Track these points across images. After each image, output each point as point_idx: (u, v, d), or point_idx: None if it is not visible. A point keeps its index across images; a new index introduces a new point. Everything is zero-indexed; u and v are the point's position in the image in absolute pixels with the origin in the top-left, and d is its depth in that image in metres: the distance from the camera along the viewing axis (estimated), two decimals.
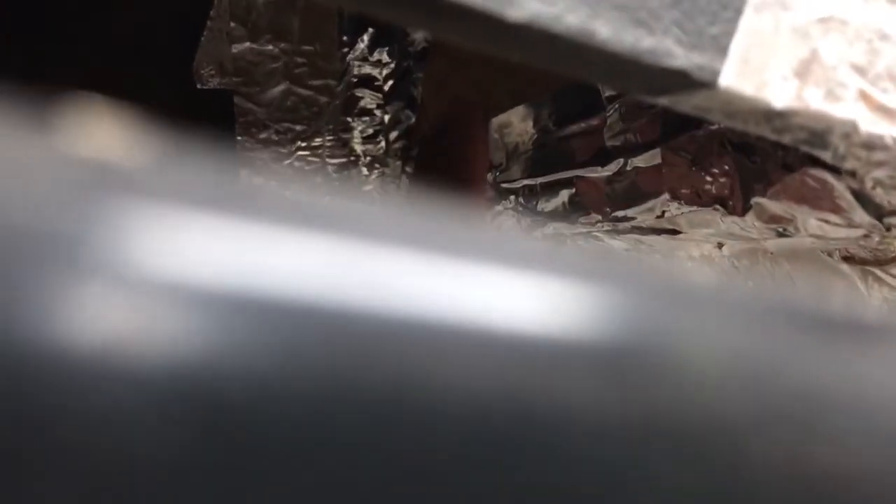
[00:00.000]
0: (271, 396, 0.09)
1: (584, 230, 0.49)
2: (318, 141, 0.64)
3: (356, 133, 0.64)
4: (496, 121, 0.54)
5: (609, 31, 0.23)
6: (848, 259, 0.42)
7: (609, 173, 0.46)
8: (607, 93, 0.47)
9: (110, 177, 0.08)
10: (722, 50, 0.24)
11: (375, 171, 0.65)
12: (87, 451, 0.08)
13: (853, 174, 0.33)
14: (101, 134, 0.09)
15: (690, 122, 0.41)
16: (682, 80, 0.24)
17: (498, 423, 0.10)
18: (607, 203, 0.47)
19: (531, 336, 0.10)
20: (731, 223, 0.41)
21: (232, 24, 0.60)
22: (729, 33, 0.24)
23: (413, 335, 0.09)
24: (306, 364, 0.09)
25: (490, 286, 0.10)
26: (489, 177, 0.54)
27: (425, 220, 0.10)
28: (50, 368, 0.08)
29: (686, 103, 0.25)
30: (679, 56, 0.23)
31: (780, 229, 0.39)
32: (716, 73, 0.24)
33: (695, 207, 0.42)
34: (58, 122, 0.09)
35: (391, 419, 0.09)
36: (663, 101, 0.25)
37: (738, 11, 0.24)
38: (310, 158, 0.64)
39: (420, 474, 0.09)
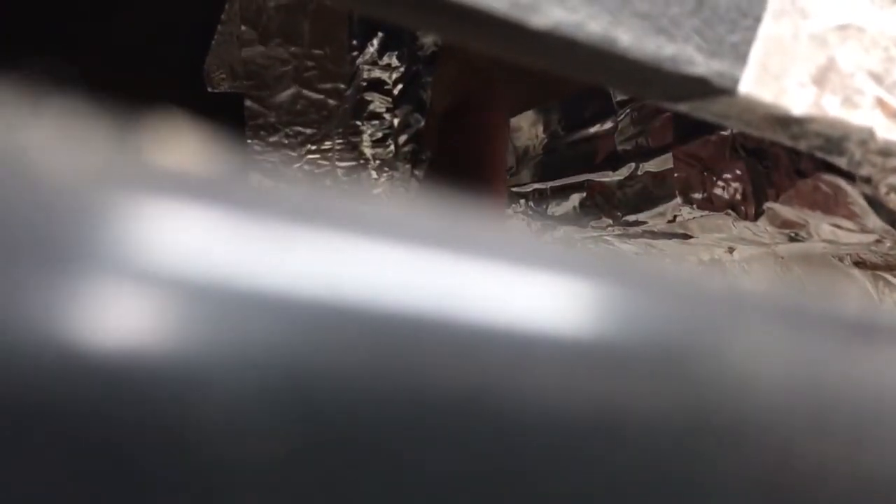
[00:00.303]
0: (360, 400, 0.09)
1: (595, 234, 0.50)
2: (327, 144, 0.64)
3: (365, 136, 0.65)
4: None
5: (631, 38, 0.23)
6: (859, 264, 0.42)
7: (620, 177, 0.46)
8: (618, 97, 0.47)
9: (182, 184, 0.09)
10: (741, 57, 0.24)
11: (385, 175, 0.65)
12: (188, 455, 0.08)
13: (868, 180, 0.34)
14: (176, 146, 0.09)
15: (703, 127, 0.41)
16: (703, 88, 0.24)
17: (560, 424, 0.10)
18: (618, 207, 0.47)
19: (592, 341, 0.10)
20: (742, 228, 0.41)
21: (243, 28, 0.60)
22: (748, 41, 0.24)
23: (484, 342, 0.10)
24: (389, 368, 0.09)
25: (546, 293, 0.10)
26: None
27: (480, 226, 0.11)
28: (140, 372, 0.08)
29: (705, 110, 0.25)
30: (699, 63, 0.24)
31: (793, 234, 0.40)
32: (735, 81, 0.24)
33: (706, 212, 0.42)
34: (137, 133, 0.09)
35: (465, 421, 0.09)
36: (683, 107, 0.26)
37: (758, 19, 0.24)
38: (319, 162, 0.64)
39: (501, 471, 0.09)
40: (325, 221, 0.09)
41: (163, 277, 0.08)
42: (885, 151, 0.27)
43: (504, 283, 0.10)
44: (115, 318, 0.08)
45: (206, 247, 0.09)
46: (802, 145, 0.27)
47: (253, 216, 0.09)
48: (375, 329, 0.09)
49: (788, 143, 0.27)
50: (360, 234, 0.10)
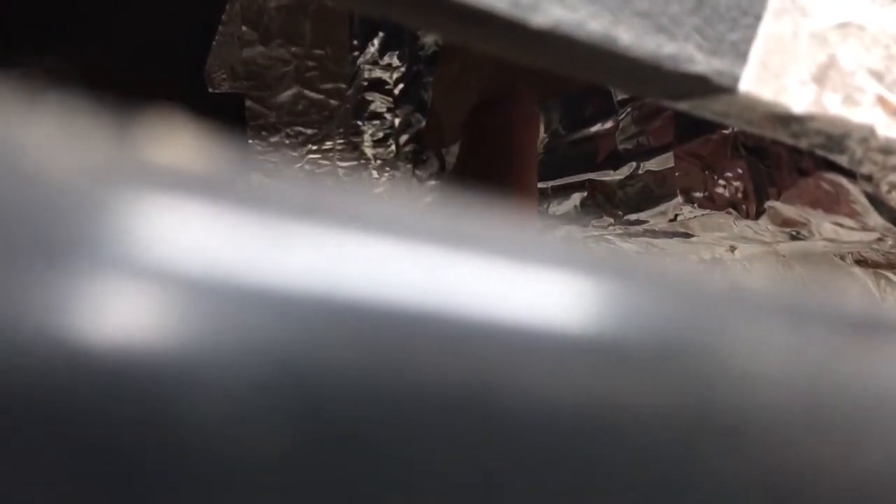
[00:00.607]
0: (361, 397, 0.09)
1: (596, 233, 0.50)
2: (328, 144, 0.64)
3: (366, 136, 0.65)
4: None
5: (631, 37, 0.23)
6: (861, 262, 0.42)
7: (621, 177, 0.46)
8: (619, 96, 0.47)
9: (180, 181, 0.09)
10: (742, 55, 0.24)
11: (386, 175, 0.65)
12: (188, 453, 0.08)
13: (869, 178, 0.34)
14: (174, 143, 0.09)
15: (703, 126, 0.41)
16: (703, 86, 0.24)
17: (559, 422, 0.10)
18: (619, 206, 0.47)
19: (588, 336, 0.10)
20: (744, 227, 0.41)
21: (244, 28, 0.61)
22: (749, 39, 0.24)
23: (483, 338, 0.10)
24: (389, 364, 0.09)
25: (545, 288, 0.10)
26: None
27: (482, 222, 0.11)
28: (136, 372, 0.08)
29: (706, 108, 0.25)
30: (700, 62, 0.24)
31: (794, 233, 0.40)
32: (736, 79, 0.24)
33: (708, 211, 0.42)
34: (135, 130, 0.09)
35: (465, 419, 0.09)
36: (683, 106, 0.26)
37: (758, 17, 0.24)
38: (321, 162, 0.64)
39: (500, 467, 0.09)
40: (325, 218, 0.09)
41: (160, 274, 0.08)
42: (886, 149, 0.27)
43: (505, 279, 0.10)
44: (114, 315, 0.08)
45: (204, 243, 0.09)
46: (803, 143, 0.27)
47: (252, 212, 0.09)
48: (375, 325, 0.09)
49: (789, 141, 0.27)
50: (360, 230, 0.10)
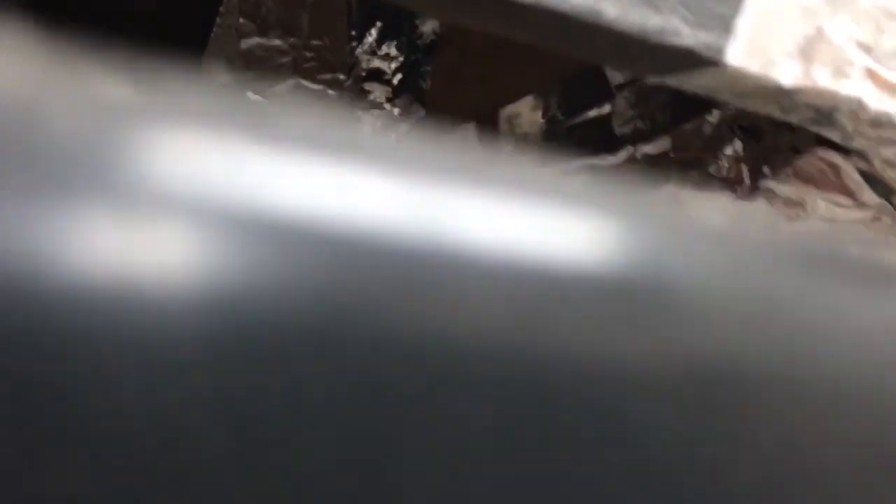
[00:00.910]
0: (296, 325, 0.09)
1: None
2: None
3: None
4: (505, 112, 0.54)
5: (616, 10, 0.23)
6: None
7: (619, 161, 0.46)
8: (616, 80, 0.47)
9: (138, 107, 0.09)
10: (728, 28, 0.24)
11: None
12: (115, 393, 0.08)
13: (862, 154, 0.33)
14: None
15: (699, 108, 0.41)
16: (690, 59, 0.24)
17: (503, 357, 0.10)
18: None
19: (541, 268, 0.10)
20: (741, 208, 0.41)
21: (241, 20, 0.61)
22: (736, 12, 0.24)
23: (428, 266, 0.10)
24: (335, 291, 0.09)
25: (498, 215, 0.10)
26: None
27: (447, 153, 0.11)
28: (70, 303, 0.08)
29: (694, 82, 0.25)
30: (686, 35, 0.24)
31: (791, 214, 0.40)
32: (722, 52, 0.24)
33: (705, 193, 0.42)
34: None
35: (408, 350, 0.09)
36: (671, 80, 0.26)
37: None
38: None
39: (434, 406, 0.09)
40: (318, 147, 0.09)
41: (109, 195, 0.08)
42: (877, 122, 0.27)
43: (513, 216, 0.10)
44: (92, 247, 0.08)
45: (192, 172, 0.09)
46: (794, 118, 0.27)
47: (254, 141, 0.09)
48: (382, 266, 0.09)
49: (780, 115, 0.27)
50: (360, 162, 0.10)
